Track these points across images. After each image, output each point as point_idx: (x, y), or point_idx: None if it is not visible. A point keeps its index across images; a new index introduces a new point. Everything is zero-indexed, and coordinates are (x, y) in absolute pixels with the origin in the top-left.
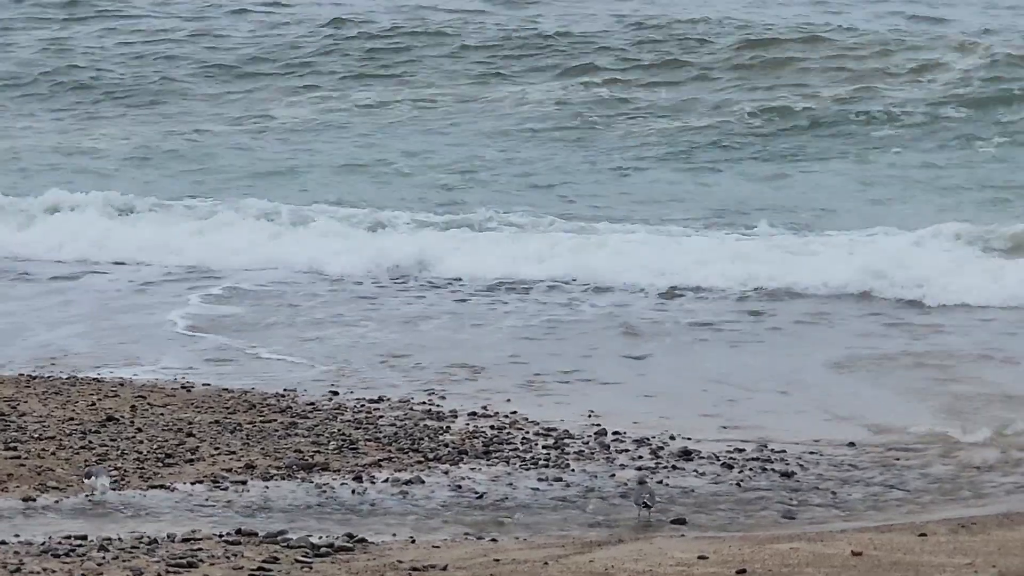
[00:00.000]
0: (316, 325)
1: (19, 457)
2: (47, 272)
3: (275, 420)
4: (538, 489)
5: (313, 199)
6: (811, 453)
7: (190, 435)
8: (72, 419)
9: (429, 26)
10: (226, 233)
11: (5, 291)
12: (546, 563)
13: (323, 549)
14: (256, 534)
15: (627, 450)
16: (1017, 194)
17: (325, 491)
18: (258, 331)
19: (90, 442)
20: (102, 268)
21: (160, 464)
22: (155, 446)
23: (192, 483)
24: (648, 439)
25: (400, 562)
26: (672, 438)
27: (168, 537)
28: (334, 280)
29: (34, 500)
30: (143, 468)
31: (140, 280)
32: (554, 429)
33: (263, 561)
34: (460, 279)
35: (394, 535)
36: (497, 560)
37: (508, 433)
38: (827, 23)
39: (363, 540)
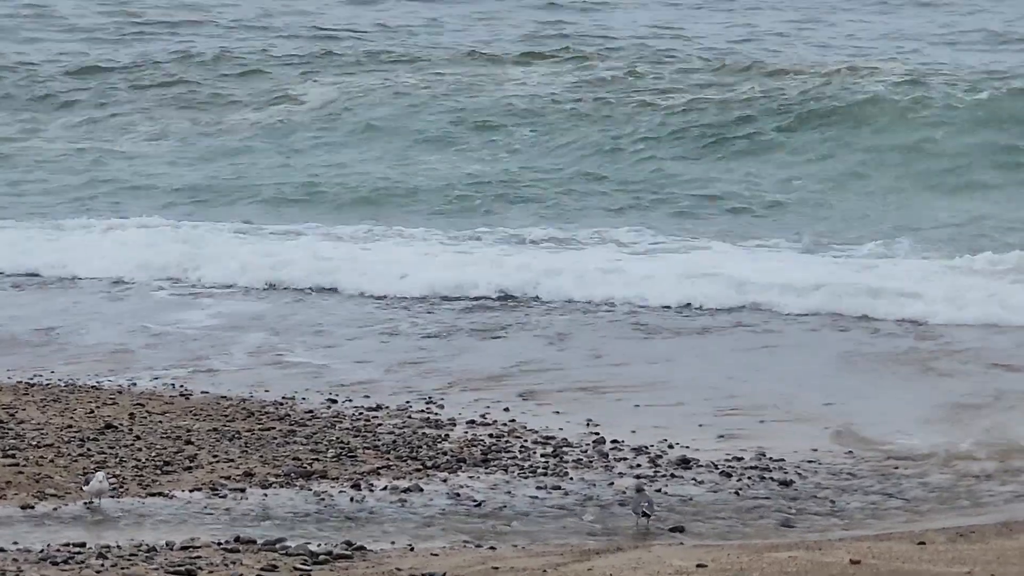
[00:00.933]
0: None
1: (17, 464)
2: None
3: (274, 428)
4: (537, 497)
5: None
6: (809, 462)
7: (188, 443)
8: (70, 426)
9: None
10: None
11: None
12: (544, 571)
13: (322, 557)
14: (255, 542)
15: (625, 458)
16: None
17: (324, 499)
18: None
19: (88, 450)
20: None
21: (159, 472)
22: (154, 454)
23: (191, 491)
24: (646, 447)
25: (399, 569)
26: (670, 447)
27: (167, 544)
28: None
29: (33, 508)
30: (142, 476)
31: None
32: (552, 437)
33: (262, 569)
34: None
35: (392, 543)
36: (496, 568)
37: (506, 441)
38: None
39: (362, 548)
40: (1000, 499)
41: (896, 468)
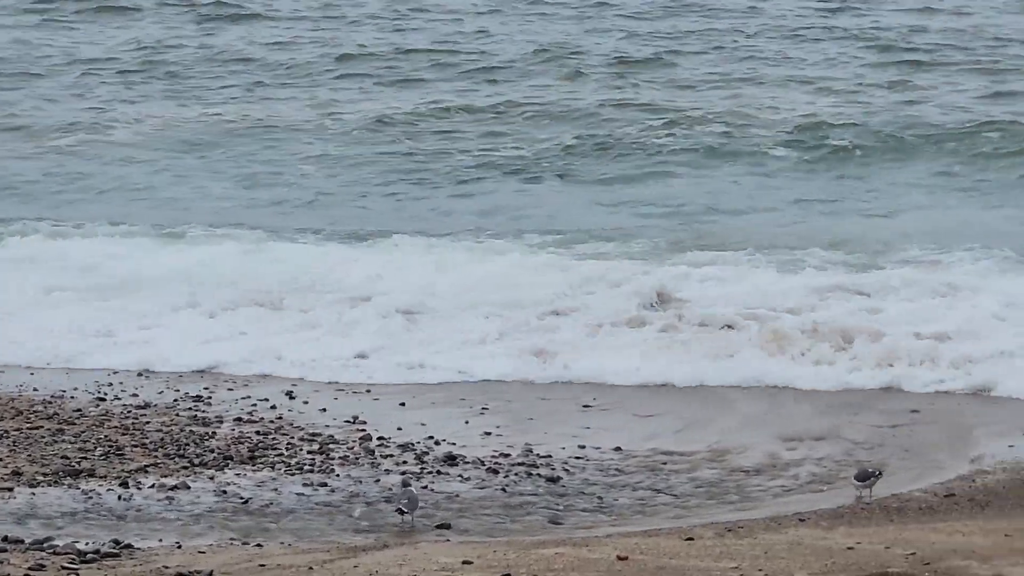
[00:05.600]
0: None
1: None
2: None
3: (42, 426)
4: (303, 494)
5: None
6: (577, 458)
7: None
8: None
9: None
10: None
11: None
12: (311, 568)
13: (89, 555)
14: (22, 541)
15: (392, 455)
16: None
17: (92, 497)
18: None
19: None
20: None
21: None
22: None
23: None
24: (412, 444)
25: (166, 567)
26: (436, 443)
27: None
28: None
29: None
30: None
31: None
32: (319, 434)
33: (29, 568)
34: None
35: (160, 540)
36: (262, 565)
37: (273, 439)
38: None
39: (129, 546)
40: (768, 494)
41: (664, 464)
